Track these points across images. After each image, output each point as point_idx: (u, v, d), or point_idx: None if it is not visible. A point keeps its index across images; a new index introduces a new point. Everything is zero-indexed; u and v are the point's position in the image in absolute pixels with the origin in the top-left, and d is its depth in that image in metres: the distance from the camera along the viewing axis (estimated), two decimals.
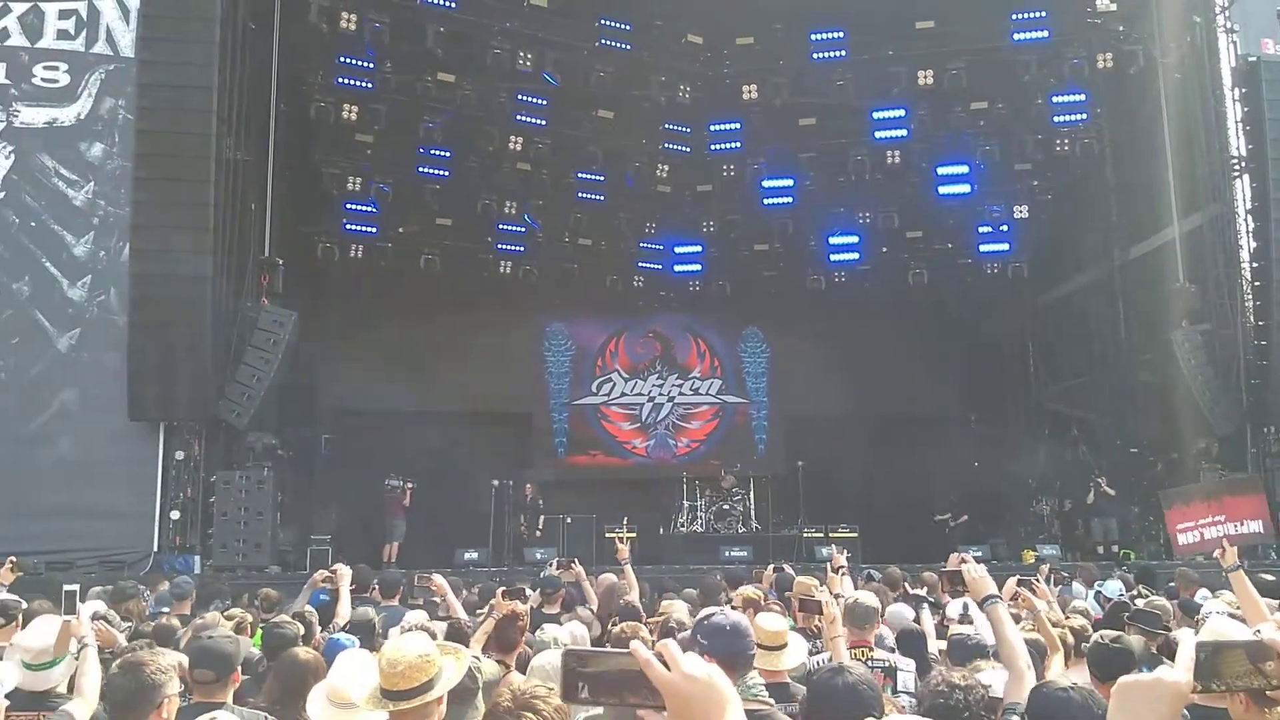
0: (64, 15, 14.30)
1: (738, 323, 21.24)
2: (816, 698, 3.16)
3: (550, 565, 9.20)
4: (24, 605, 5.54)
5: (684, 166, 18.72)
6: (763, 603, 6.12)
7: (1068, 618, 5.78)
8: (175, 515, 13.20)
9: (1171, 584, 9.55)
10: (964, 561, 3.97)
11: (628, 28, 16.68)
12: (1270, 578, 8.24)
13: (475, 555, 14.87)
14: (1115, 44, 15.97)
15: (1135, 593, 8.25)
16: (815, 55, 16.98)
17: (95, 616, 5.39)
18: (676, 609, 6.41)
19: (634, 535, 15.46)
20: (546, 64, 16.10)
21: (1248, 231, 15.00)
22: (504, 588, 5.73)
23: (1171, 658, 3.12)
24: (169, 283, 12.85)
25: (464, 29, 15.66)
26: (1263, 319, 14.77)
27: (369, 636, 5.53)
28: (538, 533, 16.12)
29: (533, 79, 16.30)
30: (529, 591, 6.75)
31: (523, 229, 18.65)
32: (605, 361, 20.91)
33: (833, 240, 19.47)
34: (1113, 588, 9.98)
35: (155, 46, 13.29)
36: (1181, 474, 15.05)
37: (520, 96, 16.78)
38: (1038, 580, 5.47)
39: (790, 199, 18.94)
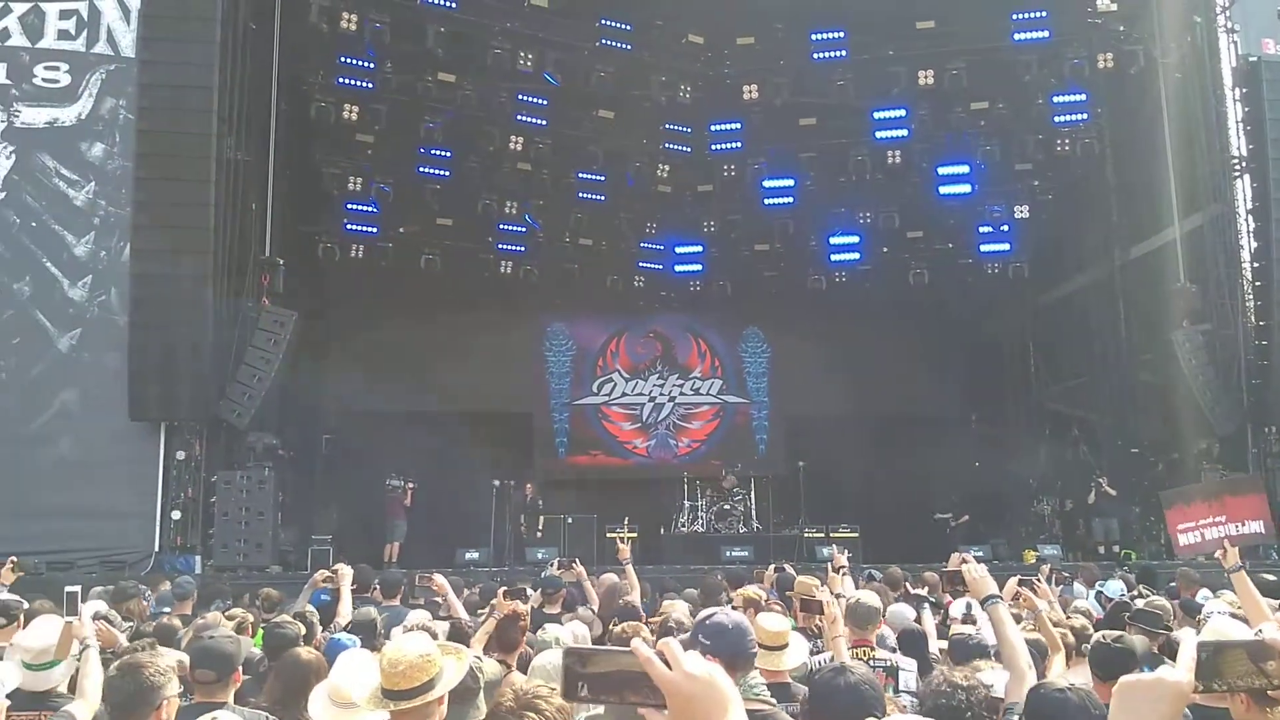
0: (65, 15, 14.29)
1: (738, 323, 21.22)
2: (818, 697, 3.16)
3: (551, 565, 9.19)
4: (25, 605, 5.53)
5: (684, 166, 18.70)
6: (764, 603, 6.12)
7: (1069, 618, 5.78)
8: (176, 515, 13.21)
9: (1172, 584, 9.55)
10: (965, 561, 3.98)
11: (628, 28, 16.67)
12: (1271, 577, 8.21)
13: (476, 555, 14.87)
14: (1116, 44, 15.96)
15: (1136, 593, 8.23)
16: (816, 55, 16.97)
17: (96, 616, 5.38)
18: (677, 609, 6.41)
19: (635, 535, 15.45)
20: (547, 64, 16.09)
21: (1248, 231, 15.01)
22: (505, 588, 5.72)
23: (1173, 658, 3.12)
24: (170, 283, 12.87)
25: (464, 29, 15.66)
26: (1263, 319, 14.78)
27: (370, 636, 5.52)
28: (538, 533, 16.10)
29: (533, 79, 16.30)
30: (530, 591, 6.76)
31: (523, 229, 18.64)
32: (606, 361, 20.90)
33: (833, 240, 19.45)
34: (1114, 588, 9.99)
35: (156, 46, 13.31)
36: (1182, 474, 15.03)
37: (521, 96, 16.78)
38: (1039, 580, 5.48)
39: (791, 199, 18.92)
